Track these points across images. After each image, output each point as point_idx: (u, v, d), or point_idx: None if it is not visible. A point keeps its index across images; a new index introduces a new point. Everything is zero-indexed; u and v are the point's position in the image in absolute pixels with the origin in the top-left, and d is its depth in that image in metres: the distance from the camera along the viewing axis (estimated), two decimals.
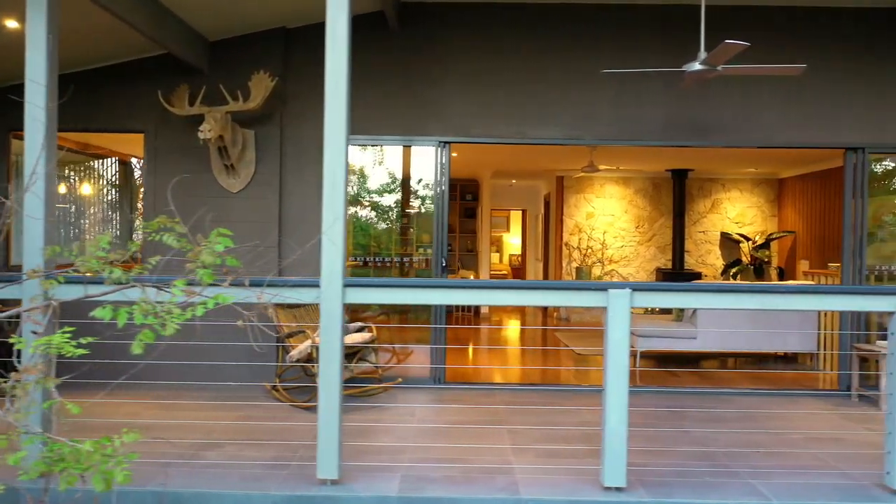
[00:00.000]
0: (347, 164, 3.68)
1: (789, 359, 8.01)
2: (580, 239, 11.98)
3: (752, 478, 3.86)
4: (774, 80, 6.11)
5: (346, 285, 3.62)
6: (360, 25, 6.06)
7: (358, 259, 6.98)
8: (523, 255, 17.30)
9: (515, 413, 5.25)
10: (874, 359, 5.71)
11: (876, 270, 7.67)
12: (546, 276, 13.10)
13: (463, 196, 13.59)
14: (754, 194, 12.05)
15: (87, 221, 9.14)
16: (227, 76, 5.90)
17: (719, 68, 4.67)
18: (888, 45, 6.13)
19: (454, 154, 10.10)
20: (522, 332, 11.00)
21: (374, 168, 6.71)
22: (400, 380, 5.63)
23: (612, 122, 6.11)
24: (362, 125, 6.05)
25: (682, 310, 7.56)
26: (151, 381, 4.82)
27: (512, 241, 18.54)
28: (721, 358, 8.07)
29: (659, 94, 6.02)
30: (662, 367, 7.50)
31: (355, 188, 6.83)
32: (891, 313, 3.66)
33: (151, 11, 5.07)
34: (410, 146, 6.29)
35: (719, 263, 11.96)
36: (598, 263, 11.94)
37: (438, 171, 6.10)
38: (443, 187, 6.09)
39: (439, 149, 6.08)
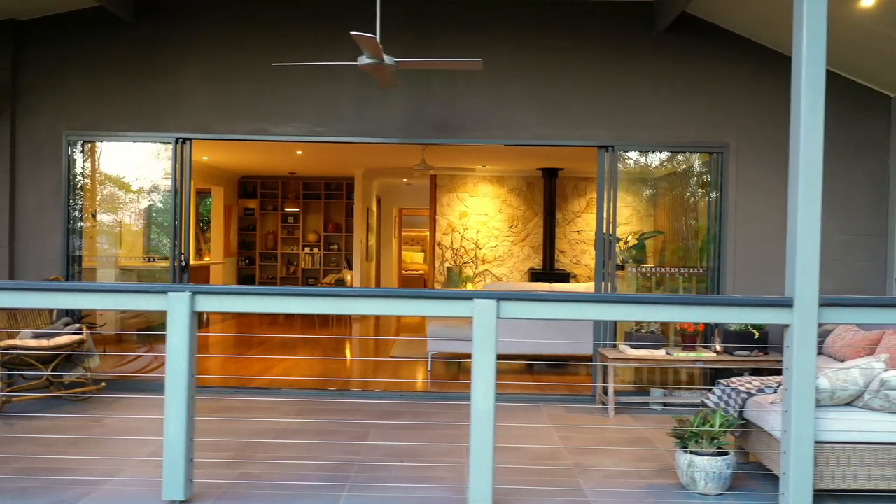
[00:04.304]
0: None
1: None
2: (453, 239, 11.79)
3: (349, 492, 3.67)
4: (526, 78, 5.94)
5: None
6: (95, 17, 5.90)
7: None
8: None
9: (209, 422, 5.03)
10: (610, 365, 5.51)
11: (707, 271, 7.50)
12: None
13: (349, 195, 13.41)
14: (630, 193, 11.81)
15: None
16: None
17: (387, 61, 4.48)
18: (635, 44, 5.95)
19: (298, 152, 9.95)
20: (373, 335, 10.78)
21: (135, 166, 6.49)
22: (104, 384, 5.43)
23: (355, 118, 5.91)
24: (94, 120, 5.87)
25: None
26: None
27: None
28: (533, 362, 7.86)
29: (401, 91, 5.80)
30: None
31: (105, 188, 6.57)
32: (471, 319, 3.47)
33: None
34: (147, 143, 6.03)
35: (594, 264, 11.74)
36: (471, 263, 11.75)
37: (177, 170, 5.90)
38: (182, 186, 5.89)
39: (178, 146, 5.88)
